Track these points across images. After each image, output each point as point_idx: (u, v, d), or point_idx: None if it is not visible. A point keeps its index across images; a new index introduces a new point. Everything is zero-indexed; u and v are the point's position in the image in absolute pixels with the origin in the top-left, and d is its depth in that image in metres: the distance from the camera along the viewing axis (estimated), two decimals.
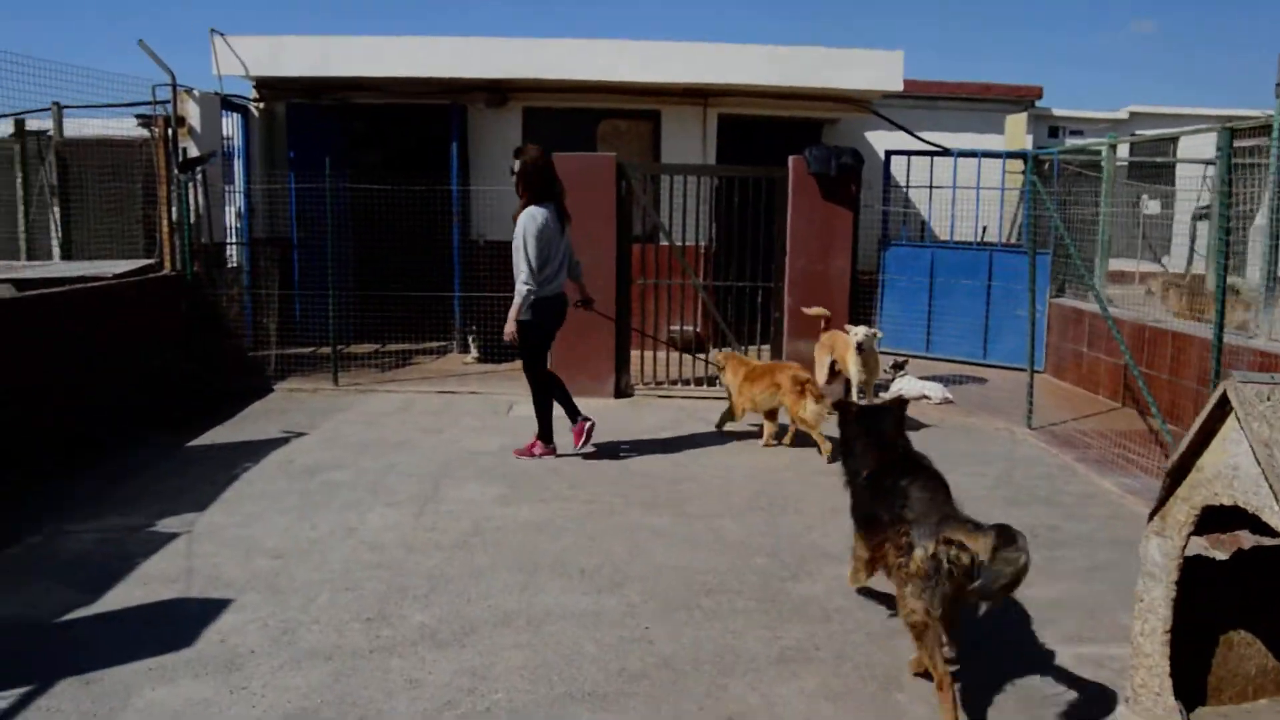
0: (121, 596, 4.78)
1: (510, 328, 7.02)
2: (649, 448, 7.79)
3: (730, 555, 5.49)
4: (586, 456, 7.46)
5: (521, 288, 6.93)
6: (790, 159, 9.37)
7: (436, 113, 12.09)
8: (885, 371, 10.13)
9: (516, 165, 7.12)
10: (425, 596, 4.83)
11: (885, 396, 9.75)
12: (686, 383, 9.98)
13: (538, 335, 7.21)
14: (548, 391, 7.41)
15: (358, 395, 9.56)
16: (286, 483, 6.73)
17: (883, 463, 4.30)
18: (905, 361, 10.30)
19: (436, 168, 11.37)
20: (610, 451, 7.65)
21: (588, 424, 7.43)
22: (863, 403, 7.78)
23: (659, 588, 5.01)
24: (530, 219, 6.94)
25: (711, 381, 9.90)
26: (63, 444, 7.22)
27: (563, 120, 12.39)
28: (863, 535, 4.38)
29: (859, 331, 8.49)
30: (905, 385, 9.88)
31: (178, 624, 4.49)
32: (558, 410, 7.46)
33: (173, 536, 5.60)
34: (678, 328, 10.42)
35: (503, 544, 5.58)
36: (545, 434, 7.44)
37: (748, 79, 11.46)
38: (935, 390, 9.78)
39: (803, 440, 7.94)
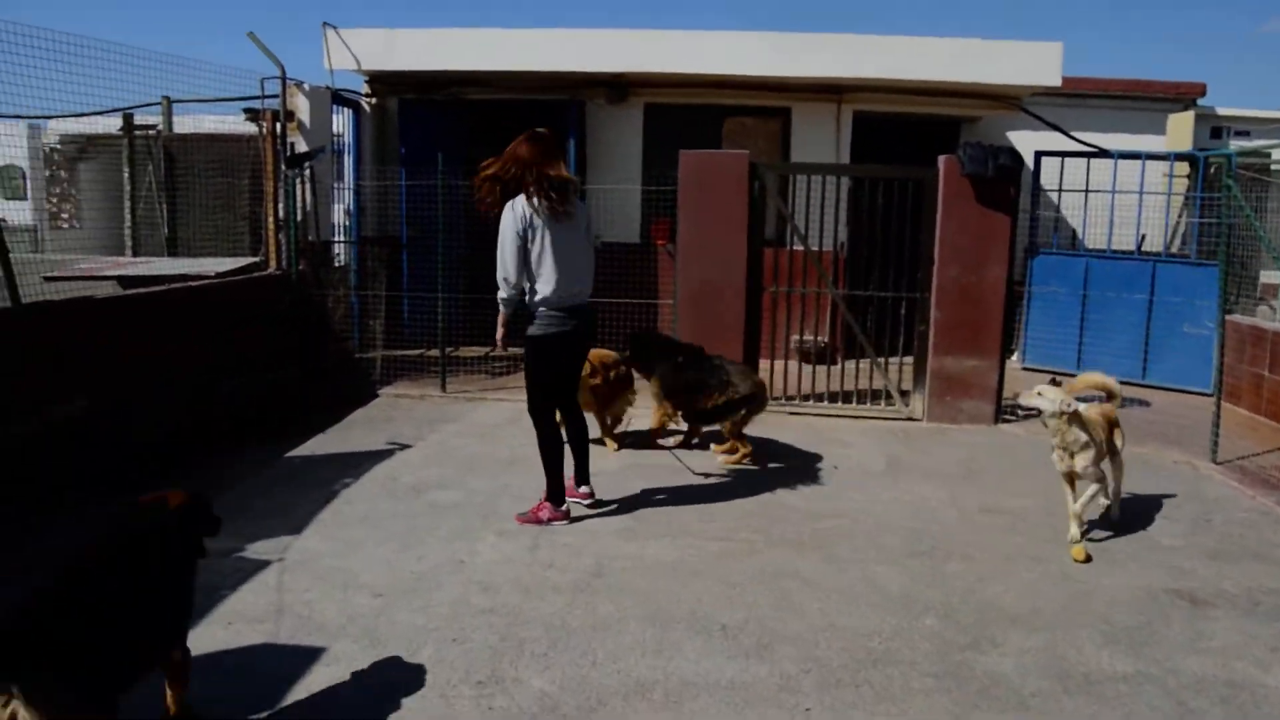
0: (204, 638, 4.19)
1: (497, 334, 5.79)
2: (783, 474, 7.00)
3: (895, 613, 4.68)
4: (718, 483, 6.71)
5: (500, 294, 5.63)
6: (941, 159, 8.47)
7: (553, 108, 11.48)
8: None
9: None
10: (544, 655, 4.14)
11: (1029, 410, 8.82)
12: (819, 398, 9.16)
13: (545, 365, 5.73)
14: (554, 441, 5.85)
15: (467, 404, 8.97)
16: (389, 503, 6.14)
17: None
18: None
19: None
20: (741, 477, 6.89)
21: (557, 515, 5.81)
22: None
23: (816, 654, 4.23)
24: (508, 210, 5.55)
25: (847, 398, 9.07)
26: (156, 451, 6.78)
27: (686, 117, 11.66)
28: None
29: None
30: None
31: (263, 679, 3.88)
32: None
33: (263, 565, 5.03)
34: (807, 338, 9.62)
35: (629, 589, 4.87)
36: (554, 493, 5.82)
37: (888, 73, 10.56)
38: None
39: (969, 470, 7.11)
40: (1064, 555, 5.50)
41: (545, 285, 5.56)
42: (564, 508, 5.85)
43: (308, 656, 4.07)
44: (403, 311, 10.65)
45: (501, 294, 5.59)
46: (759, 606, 4.69)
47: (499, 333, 5.78)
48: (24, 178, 12.56)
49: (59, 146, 13.09)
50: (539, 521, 5.76)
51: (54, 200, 13.25)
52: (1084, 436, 5.63)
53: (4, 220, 12.90)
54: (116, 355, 6.51)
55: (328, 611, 4.50)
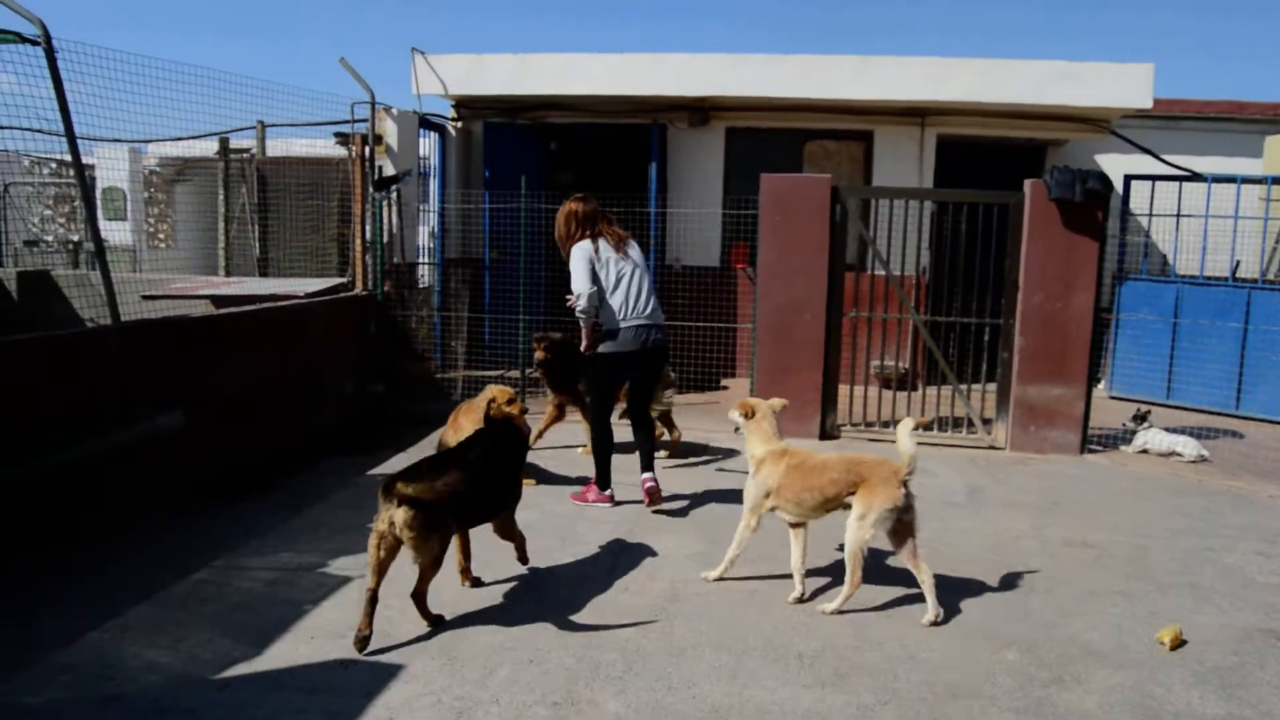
0: (285, 653, 4.29)
1: (583, 345, 6.93)
2: None
3: (974, 646, 4.59)
4: None
5: (579, 315, 6.62)
6: (1027, 183, 8.34)
7: (635, 132, 11.58)
8: (1125, 424, 8.96)
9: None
10: (619, 679, 4.14)
11: (1128, 450, 8.62)
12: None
13: (605, 373, 6.71)
14: (605, 437, 6.75)
15: None
16: None
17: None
18: (1148, 411, 9.05)
19: (633, 189, 10.80)
20: None
21: (602, 498, 6.74)
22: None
23: (894, 685, 4.17)
24: (576, 247, 6.58)
25: (928, 425, 8.94)
26: (246, 465, 6.96)
27: (767, 141, 11.66)
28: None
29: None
30: (1151, 439, 8.66)
31: (343, 693, 3.94)
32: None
33: (345, 581, 5.12)
34: (888, 363, 9.51)
35: (705, 615, 4.85)
36: (601, 479, 6.74)
37: (973, 96, 10.44)
38: (1188, 446, 8.51)
39: (1053, 501, 6.97)
40: (1152, 592, 5.35)
41: (614, 309, 6.51)
42: (608, 493, 6.73)
43: (386, 673, 4.12)
44: (484, 332, 10.80)
45: (580, 307, 6.48)
46: (836, 636, 4.64)
47: (584, 343, 6.86)
48: (125, 199, 13.02)
49: (158, 169, 13.57)
50: (585, 501, 6.70)
51: (152, 221, 13.73)
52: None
53: (106, 241, 13.42)
54: (210, 372, 6.71)
55: (406, 628, 4.56)
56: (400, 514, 4.25)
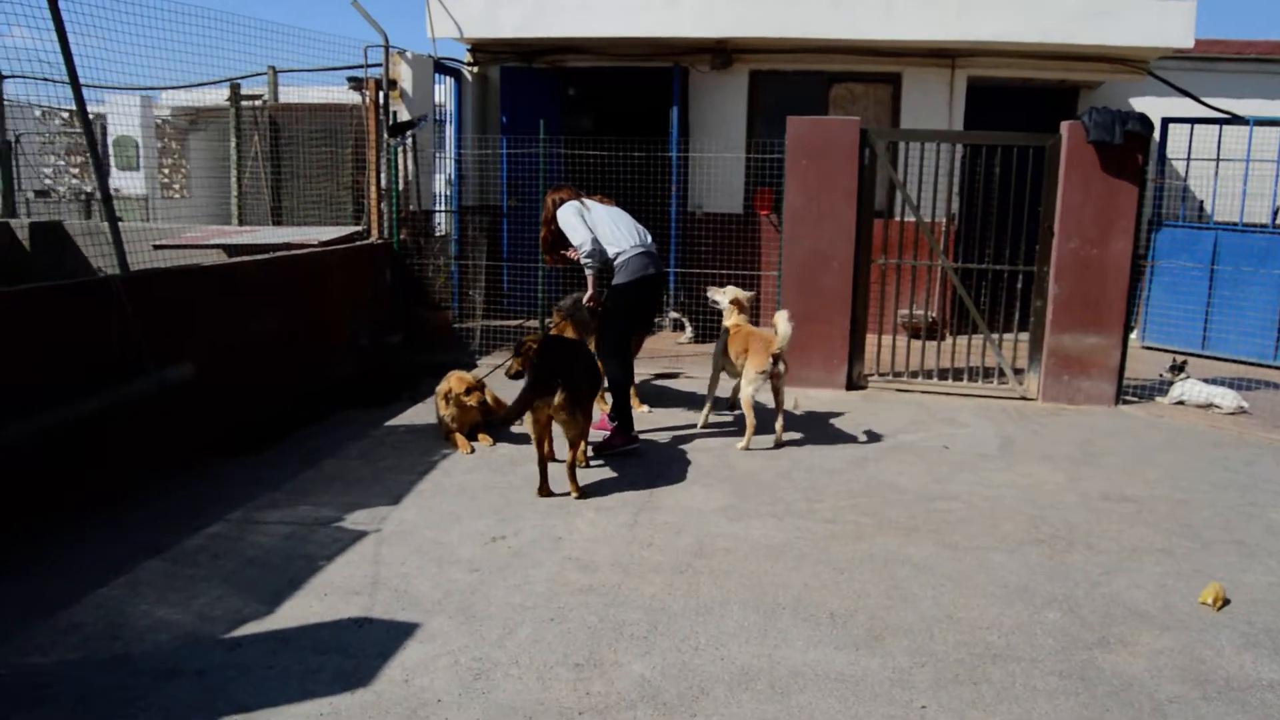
0: (299, 610, 4.15)
1: (587, 296, 6.91)
2: (892, 454, 6.73)
3: (1014, 605, 4.40)
4: (824, 461, 6.48)
5: (584, 262, 6.66)
6: (1064, 124, 8.02)
7: (655, 76, 11.27)
8: (1162, 374, 8.70)
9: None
10: (644, 638, 3.98)
11: (1164, 401, 8.37)
12: (928, 375, 8.82)
13: (621, 306, 6.63)
14: (624, 375, 6.72)
15: None
16: (487, 475, 6.05)
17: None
18: (1185, 361, 8.77)
19: (654, 134, 10.50)
20: (849, 455, 6.65)
21: (629, 443, 6.61)
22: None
23: (931, 646, 3.99)
24: (560, 208, 6.73)
25: (958, 375, 8.71)
26: (260, 418, 6.81)
27: (792, 84, 11.32)
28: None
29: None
30: (1188, 390, 8.39)
31: (356, 654, 3.79)
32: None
33: (361, 535, 4.97)
34: (916, 312, 9.26)
35: (732, 571, 4.68)
36: (625, 422, 6.60)
37: (1006, 35, 10.06)
38: (1226, 397, 8.25)
39: (1088, 453, 6.77)
40: (1197, 549, 5.14)
41: (618, 241, 6.57)
42: (633, 434, 6.62)
43: (403, 632, 3.98)
44: (502, 281, 10.60)
45: (583, 255, 6.54)
46: (869, 594, 4.46)
47: (590, 293, 6.82)
48: (137, 149, 12.82)
49: (171, 119, 13.36)
50: (612, 448, 6.51)
51: (166, 171, 13.54)
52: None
53: (118, 190, 13.25)
54: (219, 323, 6.54)
55: (423, 586, 4.42)
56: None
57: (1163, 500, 5.91)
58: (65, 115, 13.04)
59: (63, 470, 5.18)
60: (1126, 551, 5.08)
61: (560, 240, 6.82)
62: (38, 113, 12.65)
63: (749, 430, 6.75)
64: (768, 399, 7.04)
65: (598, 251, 6.58)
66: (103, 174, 6.22)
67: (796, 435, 7.06)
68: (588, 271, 6.67)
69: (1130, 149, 7.88)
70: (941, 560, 4.88)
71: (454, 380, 6.70)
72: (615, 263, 6.57)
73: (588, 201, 6.75)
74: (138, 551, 4.71)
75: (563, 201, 6.74)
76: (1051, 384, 8.29)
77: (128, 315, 5.64)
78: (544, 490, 5.67)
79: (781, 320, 6.58)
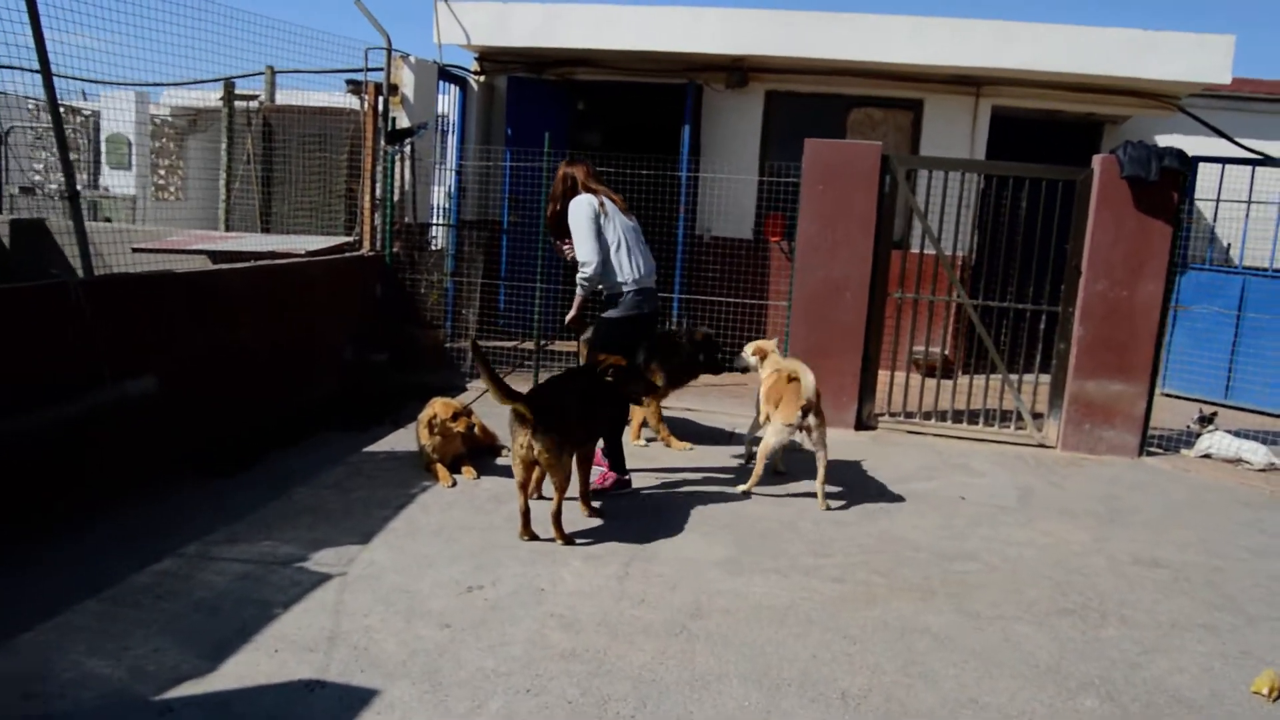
0: (244, 667, 3.69)
1: (570, 316, 6.15)
2: (904, 504, 6.27)
3: (1046, 689, 3.94)
4: (832, 511, 6.02)
5: (580, 282, 5.94)
6: (1096, 158, 7.60)
7: (667, 92, 10.86)
8: (1190, 425, 8.25)
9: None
10: (631, 717, 3.52)
11: (1190, 454, 7.92)
12: (942, 416, 8.37)
13: (618, 341, 5.94)
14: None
15: None
16: (467, 513, 5.59)
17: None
18: (1214, 413, 8.31)
19: (663, 152, 10.08)
20: (858, 505, 6.19)
21: (619, 481, 6.13)
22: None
23: None
24: (574, 202, 5.92)
25: (973, 417, 8.25)
26: (233, 436, 6.36)
27: (808, 106, 10.89)
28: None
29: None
30: (1216, 443, 7.94)
31: None
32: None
33: (324, 579, 4.51)
34: (926, 349, 8.80)
35: (732, 637, 4.22)
36: (616, 462, 6.09)
37: (1034, 65, 9.65)
38: (1257, 453, 7.80)
39: (1114, 510, 6.31)
40: (1241, 625, 4.69)
41: (624, 270, 5.89)
42: (625, 476, 6.13)
43: (358, 700, 3.52)
44: (499, 300, 10.16)
45: (583, 275, 5.83)
46: (884, 670, 4.00)
47: (572, 314, 6.09)
48: (130, 147, 12.41)
49: (170, 119, 12.95)
50: (602, 485, 6.01)
51: (161, 172, 13.12)
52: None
53: (107, 189, 12.85)
54: (191, 334, 6.09)
55: (386, 643, 3.95)
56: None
57: (1197, 567, 5.46)
58: (62, 110, 12.65)
59: None
60: (1165, 627, 4.62)
61: (561, 227, 6.03)
62: (30, 105, 12.26)
63: (755, 475, 6.29)
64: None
65: (599, 277, 5.89)
66: (70, 170, 5.79)
67: (802, 481, 6.60)
68: (579, 291, 5.96)
69: (1165, 186, 7.46)
70: (963, 631, 4.42)
71: (439, 406, 6.24)
72: (612, 291, 5.96)
73: (608, 205, 5.92)
74: (75, 589, 4.25)
75: (576, 186, 5.94)
76: (1072, 432, 7.84)
77: (87, 322, 5.21)
78: (526, 532, 5.22)
79: (802, 370, 6.20)
